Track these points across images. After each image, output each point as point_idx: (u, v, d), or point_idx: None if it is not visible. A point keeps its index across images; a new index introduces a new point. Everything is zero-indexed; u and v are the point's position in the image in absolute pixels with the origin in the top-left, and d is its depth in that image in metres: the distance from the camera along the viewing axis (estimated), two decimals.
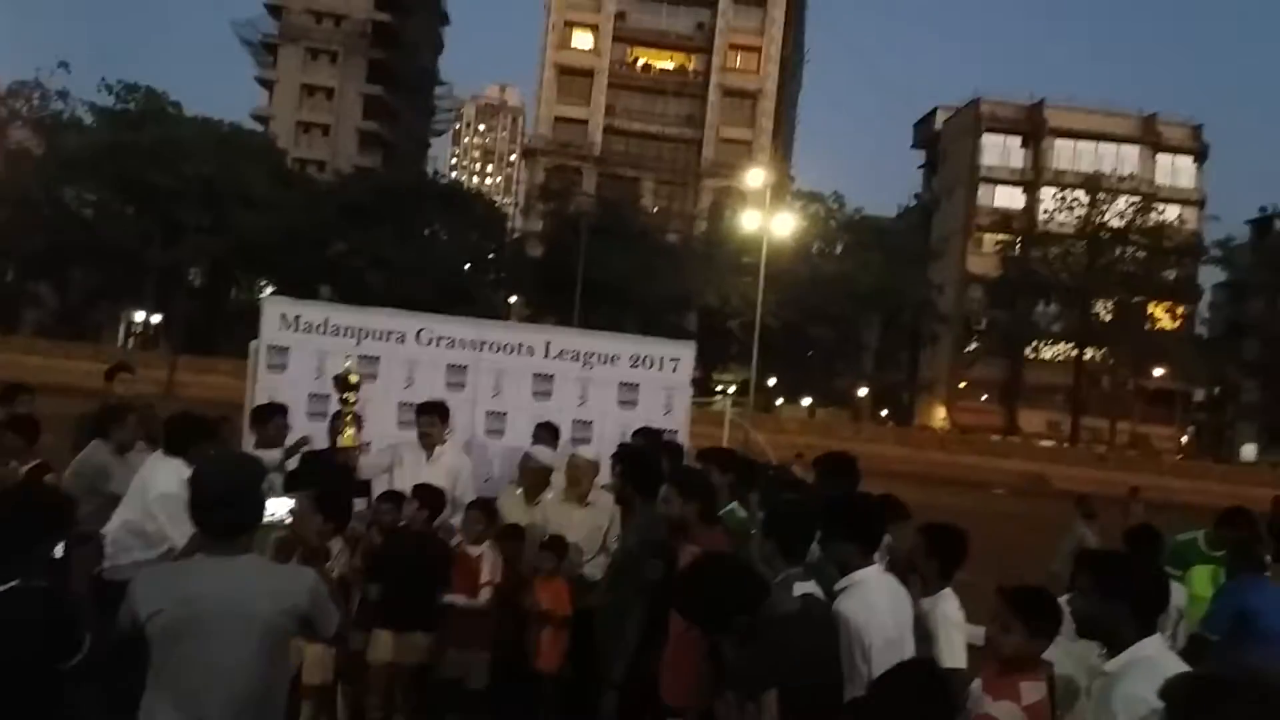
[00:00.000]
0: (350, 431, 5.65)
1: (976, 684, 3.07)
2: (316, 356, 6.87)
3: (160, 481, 4.47)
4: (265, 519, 3.00)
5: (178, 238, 45.70)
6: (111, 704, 2.89)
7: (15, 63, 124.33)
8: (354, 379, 5.69)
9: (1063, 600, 3.21)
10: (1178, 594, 5.12)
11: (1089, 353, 51.42)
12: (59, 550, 2.96)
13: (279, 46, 70.72)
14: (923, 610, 3.58)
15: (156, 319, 52.91)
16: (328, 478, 5.15)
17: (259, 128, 64.63)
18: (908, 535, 4.36)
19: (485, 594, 5.01)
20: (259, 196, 46.83)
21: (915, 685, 2.57)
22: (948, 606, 3.60)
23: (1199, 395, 59.32)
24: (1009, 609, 2.99)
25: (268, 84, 71.73)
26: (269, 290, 43.95)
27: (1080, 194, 51.88)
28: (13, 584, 2.55)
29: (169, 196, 45.16)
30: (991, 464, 38.30)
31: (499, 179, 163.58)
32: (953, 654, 3.48)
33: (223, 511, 2.59)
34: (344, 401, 5.69)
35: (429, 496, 5.12)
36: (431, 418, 5.87)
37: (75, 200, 50.33)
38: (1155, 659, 2.64)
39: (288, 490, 4.76)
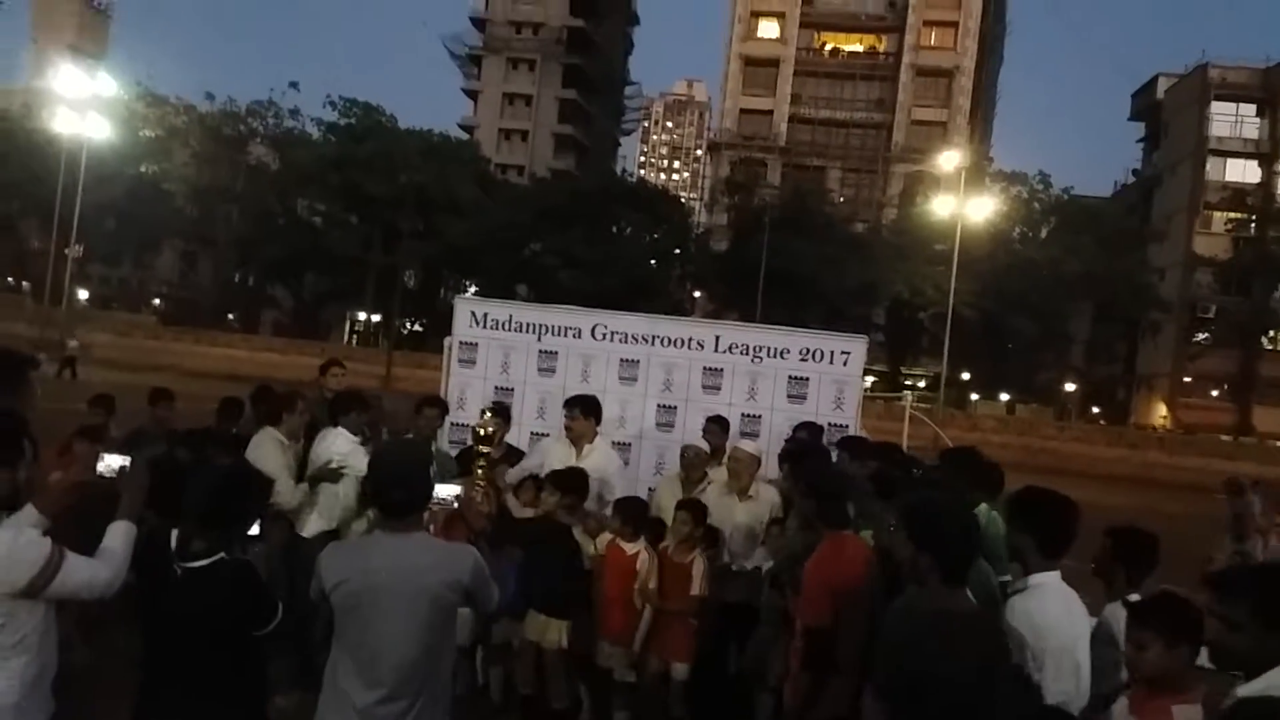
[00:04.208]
0: (478, 497, 4.49)
1: (1121, 704, 2.84)
2: (502, 352, 7.35)
3: (330, 443, 5.37)
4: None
5: (395, 243, 49.21)
6: (300, 665, 3.25)
7: (254, 84, 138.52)
8: (487, 430, 4.61)
9: None
10: None
11: None
12: (255, 528, 3.32)
13: (483, 58, 74.59)
14: (1106, 617, 3.38)
15: (377, 318, 57.38)
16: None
17: (465, 136, 68.53)
18: None
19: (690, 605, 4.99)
20: (466, 203, 49.56)
21: None
22: None
23: None
24: (1138, 624, 2.78)
25: (473, 94, 75.84)
26: (472, 290, 46.53)
27: None
28: (219, 556, 2.87)
29: (387, 205, 48.45)
30: (1220, 466, 34.35)
31: (686, 174, 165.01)
32: None
33: (396, 491, 2.81)
34: (478, 454, 4.55)
35: (564, 481, 5.13)
36: (574, 410, 5.75)
37: (306, 210, 55.14)
38: None
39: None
